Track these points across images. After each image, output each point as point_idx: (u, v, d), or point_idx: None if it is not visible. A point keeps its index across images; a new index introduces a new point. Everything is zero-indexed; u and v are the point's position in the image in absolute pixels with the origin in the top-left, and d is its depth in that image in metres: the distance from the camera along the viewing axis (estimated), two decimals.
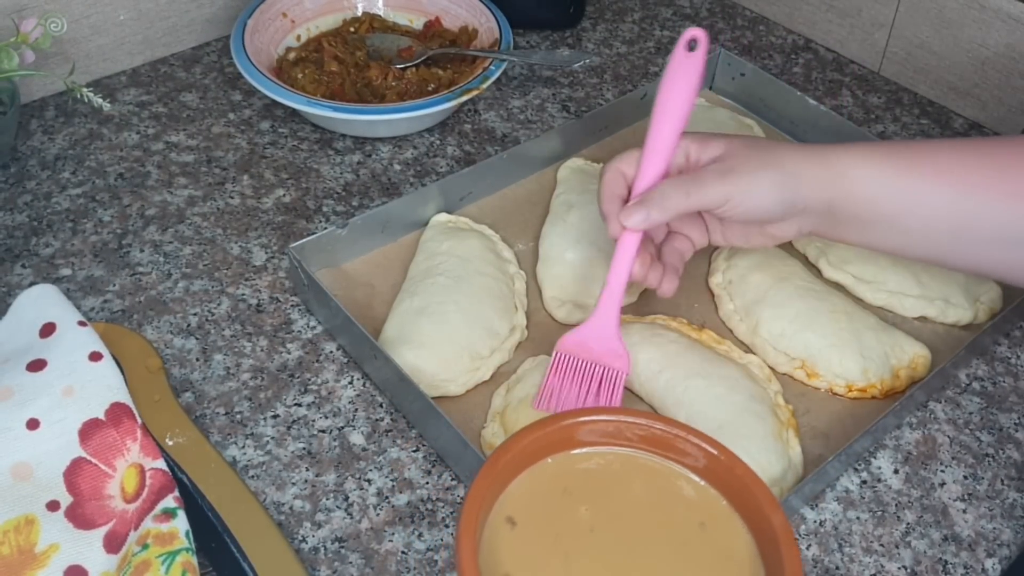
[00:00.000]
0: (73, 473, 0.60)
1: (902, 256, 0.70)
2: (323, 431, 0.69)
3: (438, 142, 0.94)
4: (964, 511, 0.66)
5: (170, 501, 0.59)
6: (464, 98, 0.89)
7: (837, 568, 0.63)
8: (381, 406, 0.71)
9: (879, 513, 0.66)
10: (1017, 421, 0.72)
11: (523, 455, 0.50)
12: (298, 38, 1.01)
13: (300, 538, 0.62)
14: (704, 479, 0.51)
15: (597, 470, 0.51)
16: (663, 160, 0.65)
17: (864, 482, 0.68)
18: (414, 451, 0.68)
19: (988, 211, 0.62)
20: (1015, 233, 0.62)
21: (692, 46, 0.64)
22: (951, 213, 0.63)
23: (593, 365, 0.67)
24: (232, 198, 0.87)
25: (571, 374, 0.66)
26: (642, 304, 0.79)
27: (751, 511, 0.48)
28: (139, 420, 0.63)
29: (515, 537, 0.48)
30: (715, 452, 0.50)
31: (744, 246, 0.71)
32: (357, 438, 0.68)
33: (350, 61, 0.96)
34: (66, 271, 0.79)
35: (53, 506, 0.59)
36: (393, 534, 0.63)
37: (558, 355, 0.67)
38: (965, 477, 0.69)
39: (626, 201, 0.66)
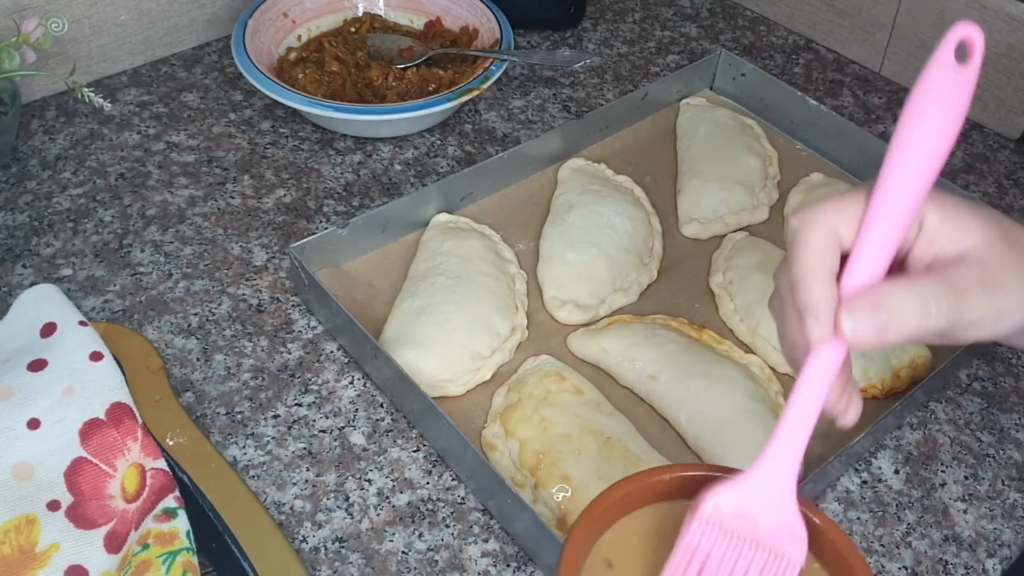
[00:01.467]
0: (74, 473, 0.60)
1: None
2: (324, 431, 0.69)
3: (439, 142, 0.94)
4: (965, 511, 0.66)
5: (171, 501, 0.59)
6: (465, 98, 0.89)
7: None
8: (382, 406, 0.71)
9: (880, 513, 0.66)
10: (1018, 421, 0.72)
11: (623, 503, 0.46)
12: (299, 38, 1.01)
13: (301, 538, 0.62)
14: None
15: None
16: (900, 228, 0.43)
17: (865, 482, 0.68)
18: (415, 451, 0.68)
19: None
20: None
21: (962, 54, 0.44)
22: None
23: (753, 546, 0.44)
24: (233, 198, 0.87)
25: (714, 559, 0.43)
26: (642, 304, 0.79)
27: (837, 568, 0.44)
28: (140, 420, 0.63)
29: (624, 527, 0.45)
30: (815, 520, 0.45)
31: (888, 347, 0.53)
32: (358, 438, 0.68)
33: (351, 61, 0.96)
34: (67, 271, 0.79)
35: (54, 506, 0.59)
36: (394, 534, 0.63)
37: (697, 524, 0.43)
38: (966, 477, 0.69)
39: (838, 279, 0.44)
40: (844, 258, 0.44)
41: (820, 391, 0.43)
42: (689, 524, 0.44)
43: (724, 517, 0.43)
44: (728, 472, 0.45)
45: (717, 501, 0.43)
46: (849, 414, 0.46)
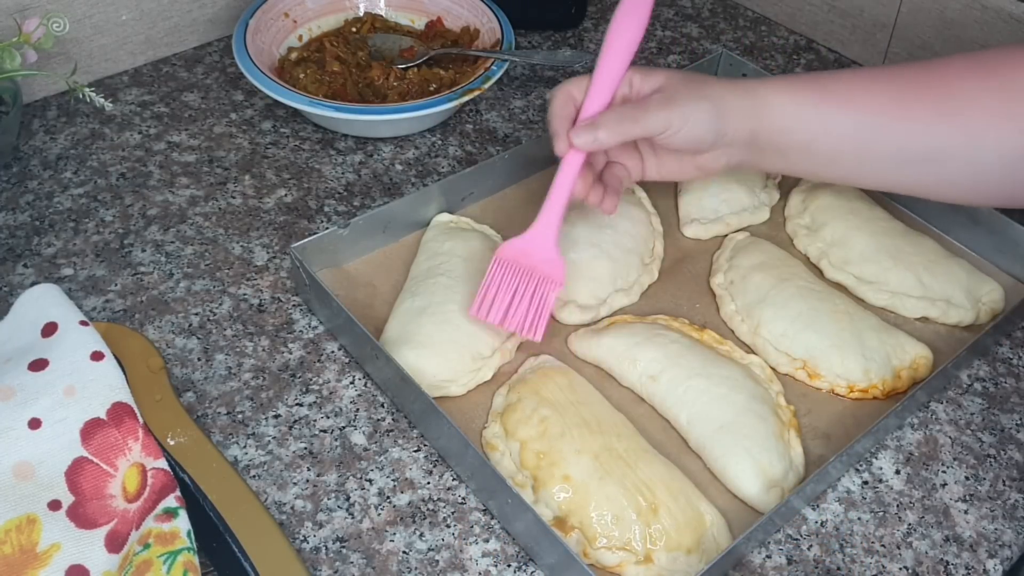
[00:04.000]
0: (75, 473, 0.60)
1: (814, 179, 0.79)
2: (324, 431, 0.69)
3: (440, 142, 0.94)
4: (966, 512, 0.66)
5: (171, 501, 0.59)
6: (466, 98, 0.89)
7: (838, 569, 0.63)
8: (382, 406, 0.71)
9: (880, 514, 0.66)
10: (1019, 422, 0.72)
11: None
12: (300, 38, 1.01)
13: (301, 538, 0.62)
14: None
15: None
16: (611, 88, 0.70)
17: (865, 483, 0.68)
18: (415, 451, 0.68)
19: (885, 133, 0.68)
20: (909, 152, 0.68)
21: None
22: (855, 137, 0.69)
23: (529, 274, 0.70)
24: (234, 198, 0.87)
25: (507, 283, 0.70)
26: (643, 305, 0.79)
27: None
28: (140, 420, 0.63)
29: None
30: None
31: (676, 179, 0.75)
32: (358, 438, 0.68)
33: (352, 61, 0.96)
34: (68, 271, 0.79)
35: (55, 505, 0.59)
36: (394, 534, 0.63)
37: (496, 262, 0.70)
38: (967, 478, 0.69)
39: (574, 123, 0.70)
40: None
41: (569, 179, 0.70)
42: (492, 263, 0.71)
43: (512, 256, 0.71)
44: None
45: (508, 247, 0.71)
46: (605, 203, 0.71)
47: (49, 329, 0.66)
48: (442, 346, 0.71)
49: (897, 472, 0.69)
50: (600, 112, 0.69)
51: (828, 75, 0.71)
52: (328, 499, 0.65)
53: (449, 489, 0.66)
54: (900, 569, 0.63)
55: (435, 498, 0.65)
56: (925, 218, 0.87)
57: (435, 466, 0.67)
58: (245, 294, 0.78)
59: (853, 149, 0.69)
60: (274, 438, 0.68)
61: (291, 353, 0.74)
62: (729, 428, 0.67)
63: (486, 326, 0.72)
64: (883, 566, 0.63)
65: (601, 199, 0.71)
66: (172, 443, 0.64)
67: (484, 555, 0.62)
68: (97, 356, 0.64)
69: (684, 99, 0.68)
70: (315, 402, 0.70)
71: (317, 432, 0.68)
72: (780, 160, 0.71)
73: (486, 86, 0.90)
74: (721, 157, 0.71)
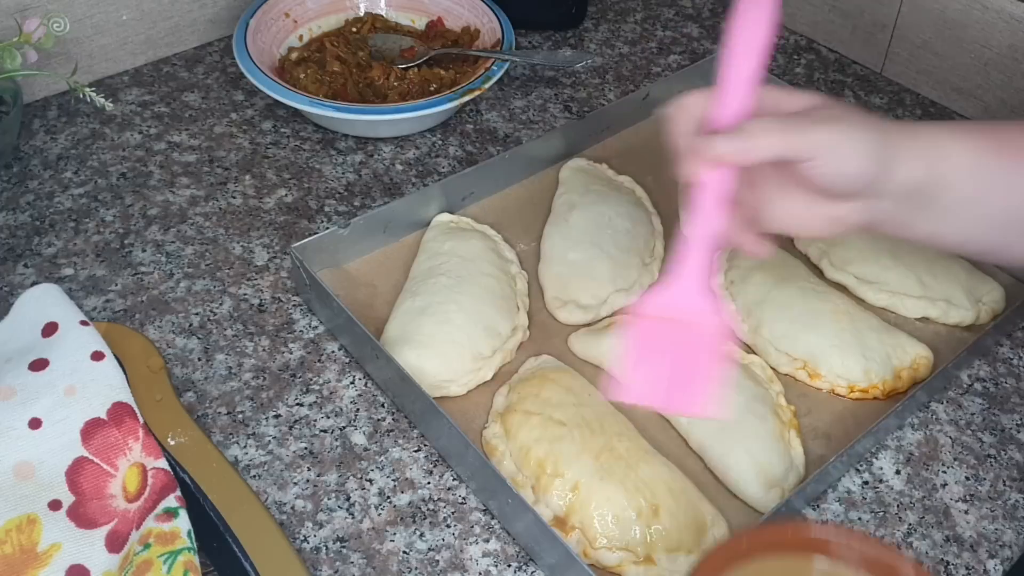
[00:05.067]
0: (75, 472, 0.60)
1: (964, 251, 0.65)
2: (325, 431, 0.69)
3: (440, 142, 0.94)
4: (966, 512, 0.66)
5: (172, 501, 0.59)
6: (466, 98, 0.89)
7: None
8: (383, 406, 0.71)
9: (881, 514, 0.66)
10: (1019, 422, 0.72)
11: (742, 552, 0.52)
12: (300, 38, 1.01)
13: (302, 538, 0.62)
14: None
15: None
16: (745, 97, 0.54)
17: (866, 483, 0.68)
18: (416, 451, 0.68)
19: None
20: None
21: None
22: None
23: (680, 333, 0.55)
24: (234, 198, 0.87)
25: (652, 348, 0.55)
26: None
27: None
28: (141, 420, 0.63)
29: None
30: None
31: (795, 231, 0.61)
32: (359, 438, 0.68)
33: (352, 61, 0.96)
34: (68, 271, 0.79)
35: (55, 505, 0.59)
36: (395, 534, 0.63)
37: (635, 327, 0.55)
38: (967, 478, 0.69)
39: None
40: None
41: (710, 210, 0.54)
42: (629, 329, 0.55)
43: (654, 315, 0.55)
44: (827, 535, 0.52)
45: (646, 303, 0.56)
46: (764, 248, 0.58)
47: (49, 329, 0.66)
48: (442, 346, 0.71)
49: (897, 472, 0.69)
50: (739, 119, 0.54)
51: (999, 124, 0.61)
52: (328, 499, 0.65)
53: (449, 489, 0.66)
54: None
55: (435, 498, 0.65)
56: None
57: (435, 466, 0.67)
58: (245, 294, 0.78)
59: None
60: (274, 438, 0.68)
61: (291, 353, 0.74)
62: (729, 428, 0.67)
63: (486, 329, 0.72)
64: None
65: (755, 242, 0.57)
66: (172, 443, 0.64)
67: (484, 555, 0.62)
68: (97, 356, 0.64)
69: (851, 121, 0.55)
70: (315, 402, 0.70)
71: (317, 432, 0.68)
72: (933, 219, 0.59)
73: (486, 86, 0.90)
74: (862, 211, 0.57)
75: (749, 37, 0.54)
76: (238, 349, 0.74)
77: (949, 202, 0.58)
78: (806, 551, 0.52)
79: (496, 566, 0.62)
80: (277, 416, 0.69)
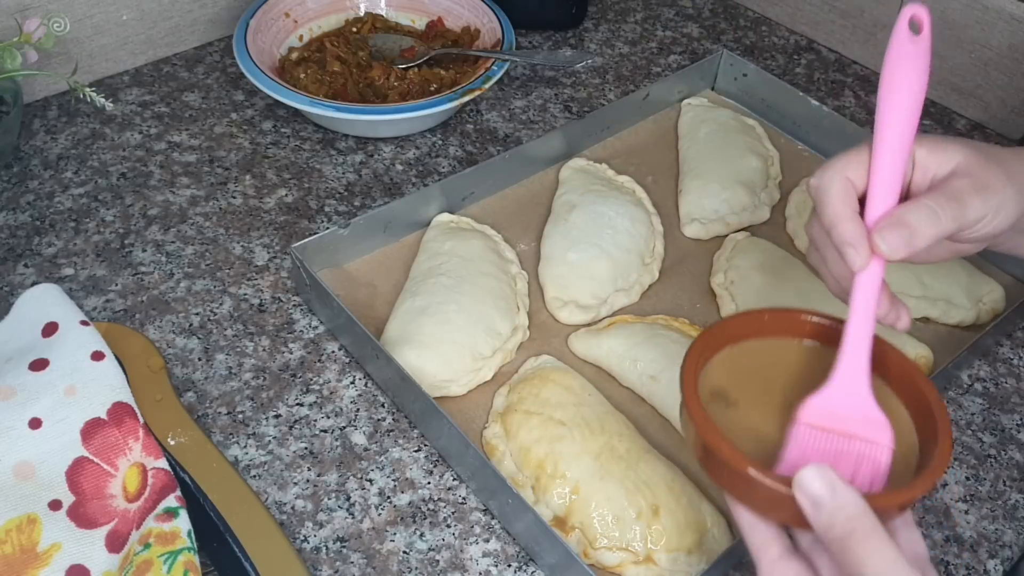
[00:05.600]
0: (75, 472, 0.60)
1: None
2: (325, 431, 0.69)
3: (440, 142, 0.94)
4: (966, 512, 0.66)
5: (172, 500, 0.59)
6: (466, 98, 0.89)
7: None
8: (383, 406, 0.71)
9: None
10: (1019, 422, 0.72)
11: (732, 334, 0.54)
12: (300, 38, 1.01)
13: (302, 538, 0.62)
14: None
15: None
16: (900, 168, 0.53)
17: None
18: (416, 451, 0.68)
19: None
20: None
21: (914, 28, 0.52)
22: None
23: (846, 440, 0.50)
24: (234, 198, 0.87)
25: (817, 453, 0.50)
26: (644, 304, 0.79)
27: (912, 400, 0.52)
28: (141, 420, 0.63)
29: (729, 359, 0.53)
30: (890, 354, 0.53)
31: (922, 262, 0.59)
32: (359, 438, 0.68)
33: (352, 61, 0.96)
34: (68, 271, 0.79)
35: (55, 505, 0.59)
36: (395, 534, 0.63)
37: (799, 431, 0.50)
38: (967, 478, 0.68)
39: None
40: (861, 202, 0.53)
41: (871, 305, 0.52)
42: (792, 429, 0.50)
43: (815, 416, 0.50)
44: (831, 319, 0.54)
45: (811, 407, 0.51)
46: (902, 320, 0.55)
47: (50, 329, 0.66)
48: (443, 346, 0.71)
49: None
50: (898, 206, 0.52)
51: None
52: (328, 499, 0.65)
53: (449, 489, 0.66)
54: None
55: (435, 498, 0.65)
56: None
57: (435, 466, 0.67)
58: (246, 294, 0.78)
59: None
60: (274, 438, 0.68)
61: (291, 353, 0.74)
62: None
63: (486, 329, 0.72)
64: None
65: (898, 314, 0.56)
66: (172, 443, 0.64)
67: (484, 555, 0.62)
68: (98, 356, 0.64)
69: (996, 184, 0.54)
70: (316, 402, 0.70)
71: (317, 432, 0.68)
72: None
73: (487, 86, 0.90)
74: (984, 244, 0.58)
75: (904, 99, 0.52)
76: (238, 349, 0.74)
77: None
78: (795, 335, 0.54)
79: (496, 566, 0.62)
80: (277, 416, 0.69)
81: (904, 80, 0.52)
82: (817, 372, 0.52)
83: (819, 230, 0.55)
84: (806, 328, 0.54)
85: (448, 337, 0.71)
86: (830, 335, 0.53)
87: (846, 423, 0.50)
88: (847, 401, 0.51)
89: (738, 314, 0.54)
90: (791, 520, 0.46)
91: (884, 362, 0.52)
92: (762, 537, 0.47)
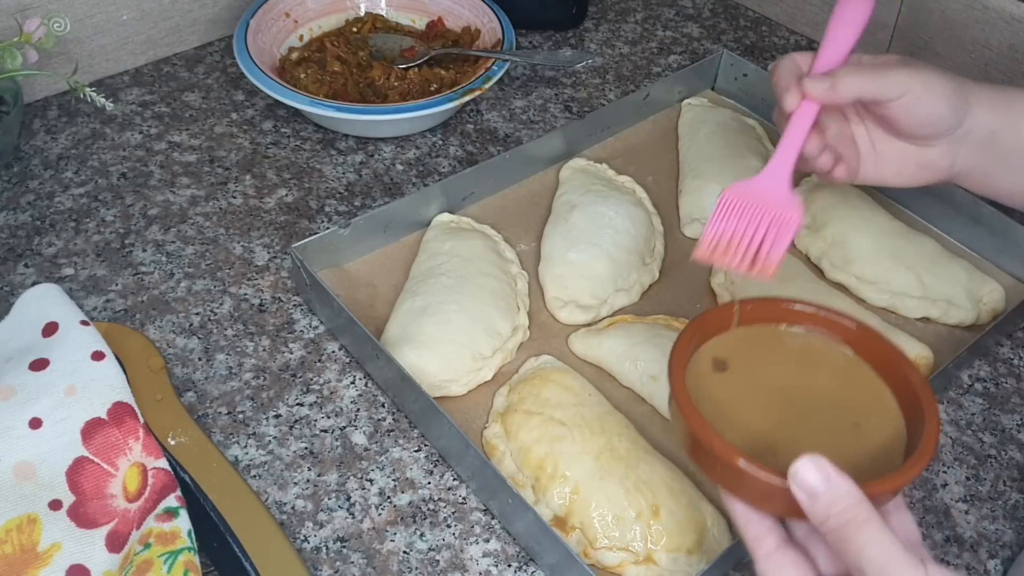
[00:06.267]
0: (75, 472, 0.60)
1: None
2: (325, 431, 0.69)
3: (440, 142, 0.94)
4: (966, 512, 0.66)
5: (172, 500, 0.59)
6: (467, 98, 0.89)
7: None
8: (383, 406, 0.71)
9: None
10: (1019, 422, 0.72)
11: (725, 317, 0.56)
12: (301, 38, 1.01)
13: (302, 538, 0.62)
14: (855, 351, 0.55)
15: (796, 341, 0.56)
16: (845, 49, 0.64)
17: None
18: (416, 451, 0.68)
19: None
20: None
21: None
22: None
23: (761, 211, 0.63)
24: (235, 198, 0.87)
25: (736, 222, 0.63)
26: (644, 304, 0.79)
27: (899, 385, 0.53)
28: (141, 419, 0.63)
29: (723, 379, 0.54)
30: (859, 328, 0.55)
31: (892, 180, 0.68)
32: (359, 438, 0.68)
33: (353, 61, 0.96)
34: (69, 270, 0.79)
35: (55, 505, 0.59)
36: (395, 534, 0.63)
37: (723, 202, 0.64)
38: (967, 478, 0.69)
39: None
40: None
41: (803, 130, 0.64)
42: (720, 202, 0.64)
43: (740, 197, 0.64)
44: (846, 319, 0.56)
45: (735, 188, 0.64)
46: (837, 171, 0.67)
47: (50, 329, 0.66)
48: (443, 346, 0.71)
49: None
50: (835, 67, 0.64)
51: None
52: (329, 499, 0.65)
53: (450, 489, 0.66)
54: None
55: (436, 498, 0.65)
56: (926, 218, 0.87)
57: (436, 466, 0.67)
58: (246, 294, 0.78)
59: None
60: (275, 438, 0.68)
61: (292, 353, 0.74)
62: None
63: (486, 329, 0.72)
64: None
65: (832, 166, 0.66)
66: (173, 443, 0.64)
67: (485, 555, 0.62)
68: (98, 356, 0.64)
69: (929, 70, 0.63)
70: (316, 402, 0.70)
71: (318, 432, 0.68)
72: (1015, 173, 0.66)
73: (487, 86, 0.90)
74: (949, 155, 0.66)
75: (853, 8, 0.64)
76: (238, 349, 0.74)
77: None
78: (778, 322, 0.56)
79: (496, 566, 0.62)
80: (277, 416, 0.69)
81: (855, 6, 0.64)
82: (811, 360, 0.55)
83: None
84: (795, 317, 0.56)
85: (448, 337, 0.71)
86: (820, 324, 0.56)
87: (765, 199, 0.64)
88: (771, 185, 0.64)
89: (727, 304, 0.56)
90: (786, 511, 0.47)
91: (871, 349, 0.54)
92: (757, 529, 0.47)
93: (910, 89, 0.62)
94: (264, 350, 0.74)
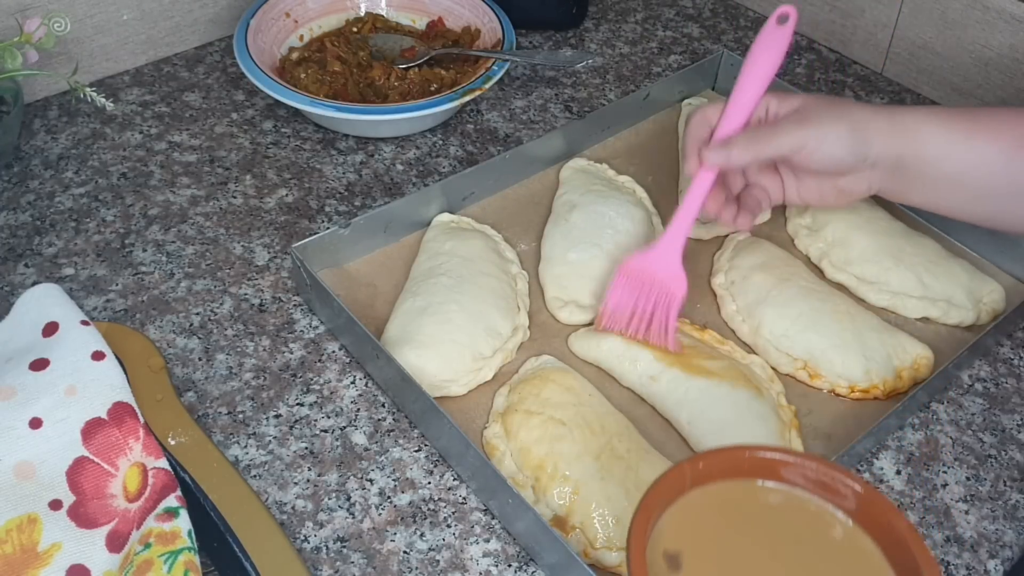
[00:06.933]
0: (75, 472, 0.60)
1: (963, 218, 0.73)
2: (325, 431, 0.69)
3: (441, 142, 0.94)
4: (966, 512, 0.66)
5: (172, 500, 0.59)
6: (467, 98, 0.89)
7: None
8: (383, 406, 0.71)
9: None
10: (1020, 422, 0.72)
11: (673, 488, 0.48)
12: (301, 38, 1.01)
13: (302, 538, 0.62)
14: (853, 519, 0.47)
15: (757, 503, 0.48)
16: (746, 113, 0.69)
17: None
18: (416, 451, 0.68)
19: None
20: None
21: (782, 20, 0.69)
22: (1007, 172, 0.67)
23: (652, 287, 0.71)
24: (235, 198, 0.87)
25: (630, 295, 0.71)
26: None
27: (896, 551, 0.46)
28: (141, 419, 0.63)
29: (680, 512, 0.47)
30: (861, 491, 0.47)
31: (817, 204, 0.74)
32: (359, 438, 0.68)
33: (353, 61, 0.96)
34: (69, 270, 0.79)
35: (55, 505, 0.59)
36: (395, 534, 0.63)
37: (620, 275, 0.72)
38: (967, 478, 0.68)
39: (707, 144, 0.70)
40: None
41: (698, 198, 0.70)
42: (618, 275, 0.72)
43: (633, 269, 0.72)
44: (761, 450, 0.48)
45: (633, 260, 0.72)
46: (739, 220, 0.72)
47: (50, 329, 0.66)
48: (443, 346, 0.71)
49: (898, 472, 0.69)
50: (733, 133, 0.69)
51: (976, 109, 0.71)
52: (329, 499, 0.65)
53: (450, 489, 0.66)
54: None
55: (436, 498, 0.65)
56: (926, 218, 0.87)
57: (436, 466, 0.67)
58: (246, 294, 0.78)
59: (1006, 186, 0.68)
60: (275, 438, 0.68)
61: (292, 353, 0.74)
62: (730, 428, 0.67)
63: (487, 329, 0.72)
64: None
65: (735, 217, 0.72)
66: (173, 443, 0.64)
67: (485, 555, 0.62)
68: (98, 356, 0.64)
69: (820, 119, 0.67)
70: (316, 402, 0.70)
71: (318, 432, 0.68)
72: (927, 192, 0.70)
73: (487, 86, 0.90)
74: (863, 181, 0.70)
75: (757, 69, 0.69)
76: (239, 349, 0.74)
77: (933, 176, 0.68)
78: (751, 476, 0.48)
79: (496, 566, 0.62)
80: (278, 416, 0.69)
81: (766, 54, 0.69)
82: (769, 510, 0.47)
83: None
84: (753, 466, 0.48)
85: (448, 337, 0.71)
86: (776, 469, 0.48)
87: (656, 274, 0.71)
88: (663, 259, 0.71)
89: (679, 465, 0.48)
90: None
91: (871, 516, 0.47)
92: None
93: (804, 144, 0.67)
94: (264, 350, 0.74)
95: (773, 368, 0.74)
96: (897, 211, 0.87)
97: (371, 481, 0.66)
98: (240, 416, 0.69)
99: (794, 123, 0.68)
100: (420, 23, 1.04)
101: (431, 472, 0.67)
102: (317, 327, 0.76)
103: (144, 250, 0.81)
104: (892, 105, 0.71)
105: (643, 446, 0.67)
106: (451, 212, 0.84)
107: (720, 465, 0.47)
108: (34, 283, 0.76)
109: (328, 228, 0.78)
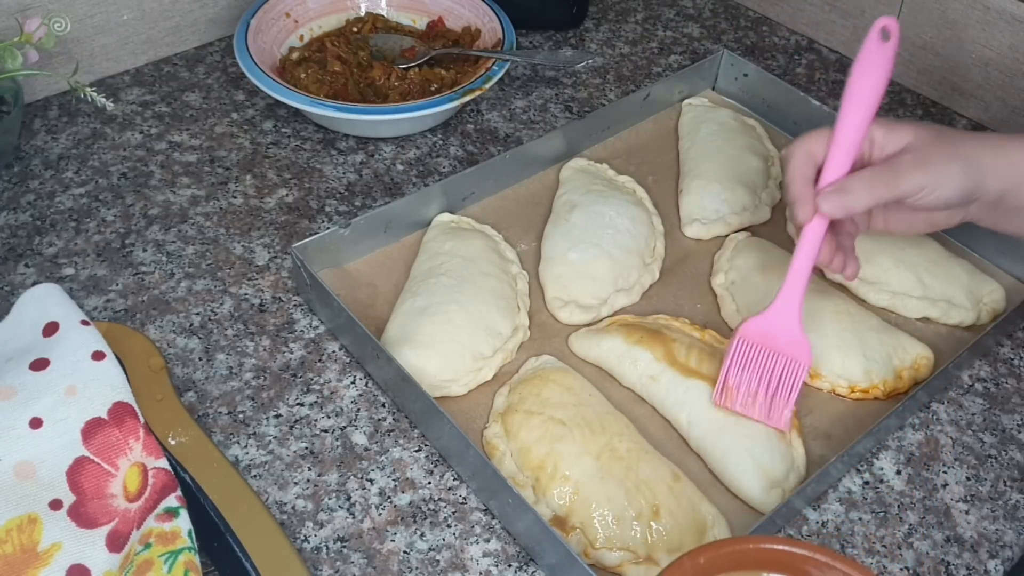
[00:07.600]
0: (76, 472, 0.60)
1: None
2: (325, 431, 0.69)
3: (441, 142, 0.94)
4: (967, 512, 0.66)
5: (172, 500, 0.59)
6: (467, 98, 0.89)
7: None
8: (383, 406, 0.71)
9: (881, 514, 0.66)
10: (1020, 422, 0.72)
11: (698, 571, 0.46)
12: (301, 38, 1.01)
13: (302, 538, 0.62)
14: None
15: None
16: (854, 146, 0.65)
17: (866, 483, 0.68)
18: (416, 451, 0.68)
19: None
20: None
21: (885, 36, 0.64)
22: None
23: (774, 356, 0.67)
24: (235, 198, 0.87)
25: (750, 365, 0.67)
26: (644, 304, 0.79)
27: None
28: (141, 419, 0.63)
29: None
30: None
31: (902, 233, 0.72)
32: (359, 438, 0.68)
33: (353, 61, 0.96)
34: (69, 270, 0.79)
35: (56, 505, 0.59)
36: (395, 534, 0.63)
37: (738, 343, 0.67)
38: (968, 478, 0.68)
39: (814, 184, 0.66)
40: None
41: (812, 252, 0.66)
42: (732, 341, 0.67)
43: (752, 335, 0.67)
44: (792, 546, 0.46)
45: (749, 326, 0.67)
46: (848, 270, 0.69)
47: (50, 329, 0.66)
48: (443, 346, 0.71)
49: (898, 472, 0.69)
50: (846, 175, 0.65)
51: None
52: (329, 499, 0.65)
53: (450, 489, 0.66)
54: (901, 569, 0.63)
55: (436, 498, 0.65)
56: None
57: (436, 466, 0.67)
58: (246, 294, 0.78)
59: None
60: (275, 438, 0.68)
61: (292, 353, 0.74)
62: (729, 428, 0.67)
63: (487, 329, 0.72)
64: (884, 566, 0.63)
65: (844, 265, 0.69)
66: (173, 443, 0.64)
67: (485, 555, 0.62)
68: (98, 356, 0.64)
69: (938, 159, 0.64)
70: (316, 402, 0.70)
71: (318, 432, 0.68)
72: (1020, 223, 0.69)
73: (487, 86, 0.90)
74: (958, 214, 0.69)
75: (864, 93, 0.64)
76: (239, 349, 0.74)
77: None
78: (764, 568, 0.47)
79: (497, 566, 0.62)
80: (278, 416, 0.69)
81: (870, 75, 0.64)
82: None
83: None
84: (759, 559, 0.47)
85: (449, 337, 0.71)
86: (784, 561, 0.46)
87: (776, 341, 0.67)
88: (780, 324, 0.67)
89: (678, 560, 0.46)
90: None
91: None
92: None
93: (923, 187, 0.64)
94: (264, 350, 0.74)
95: None
96: None
97: (371, 481, 0.66)
98: (240, 416, 0.69)
99: (913, 165, 0.64)
100: (420, 23, 1.04)
101: (431, 472, 0.67)
102: (317, 327, 0.76)
103: (144, 250, 0.81)
104: (994, 135, 0.68)
105: (643, 446, 0.67)
106: (451, 212, 0.84)
107: (724, 559, 0.46)
108: (34, 283, 0.76)
109: (328, 228, 0.78)
